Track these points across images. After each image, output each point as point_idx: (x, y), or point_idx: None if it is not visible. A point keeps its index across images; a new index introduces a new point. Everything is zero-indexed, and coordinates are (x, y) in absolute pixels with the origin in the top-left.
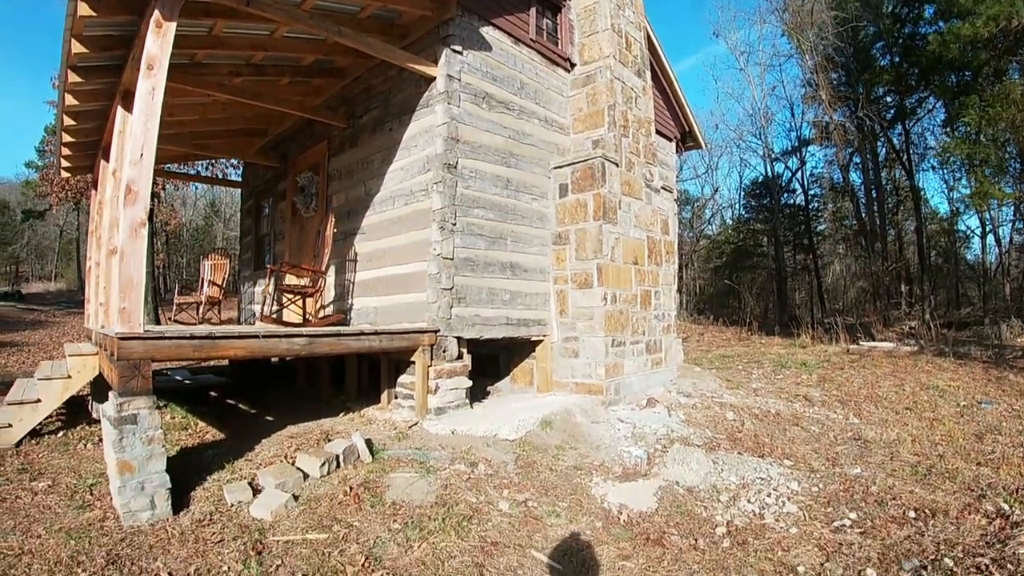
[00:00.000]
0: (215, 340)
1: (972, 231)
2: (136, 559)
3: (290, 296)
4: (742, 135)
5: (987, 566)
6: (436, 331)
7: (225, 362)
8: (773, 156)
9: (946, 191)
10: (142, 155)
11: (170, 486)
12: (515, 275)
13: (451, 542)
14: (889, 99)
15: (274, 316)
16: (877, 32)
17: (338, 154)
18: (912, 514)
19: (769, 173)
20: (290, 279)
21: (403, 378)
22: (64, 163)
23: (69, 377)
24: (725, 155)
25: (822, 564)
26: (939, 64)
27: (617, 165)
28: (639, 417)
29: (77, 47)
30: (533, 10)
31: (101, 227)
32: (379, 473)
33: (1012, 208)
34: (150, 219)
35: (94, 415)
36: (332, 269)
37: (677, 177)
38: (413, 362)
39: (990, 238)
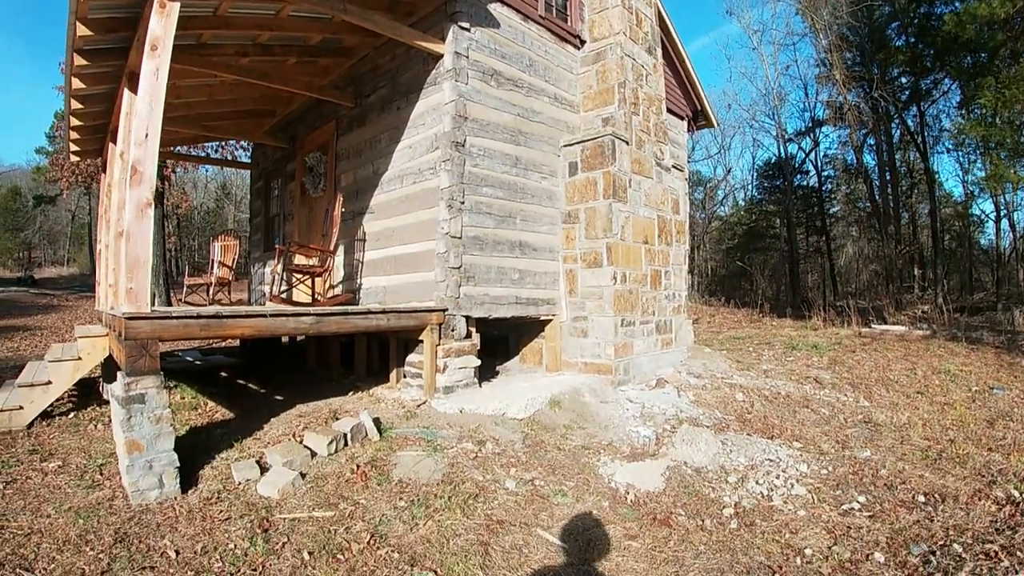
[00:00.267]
0: (222, 319)
1: (987, 215)
2: (143, 537)
3: (299, 276)
4: (755, 115)
5: (996, 553)
6: (444, 310)
7: (237, 343)
8: (786, 137)
9: (961, 174)
10: (147, 135)
11: (178, 465)
12: (524, 254)
13: (456, 520)
14: (904, 80)
15: (283, 296)
16: (892, 12)
17: (346, 133)
18: (922, 499)
19: (782, 154)
20: (299, 259)
21: (412, 357)
22: (73, 147)
23: (79, 359)
24: (738, 135)
25: (830, 547)
26: (955, 45)
27: (627, 143)
28: (648, 397)
29: (82, 30)
30: None
31: (110, 209)
32: (386, 451)
33: None
34: (160, 202)
35: (105, 396)
36: (341, 249)
37: (689, 157)
38: (421, 341)
39: (1004, 223)
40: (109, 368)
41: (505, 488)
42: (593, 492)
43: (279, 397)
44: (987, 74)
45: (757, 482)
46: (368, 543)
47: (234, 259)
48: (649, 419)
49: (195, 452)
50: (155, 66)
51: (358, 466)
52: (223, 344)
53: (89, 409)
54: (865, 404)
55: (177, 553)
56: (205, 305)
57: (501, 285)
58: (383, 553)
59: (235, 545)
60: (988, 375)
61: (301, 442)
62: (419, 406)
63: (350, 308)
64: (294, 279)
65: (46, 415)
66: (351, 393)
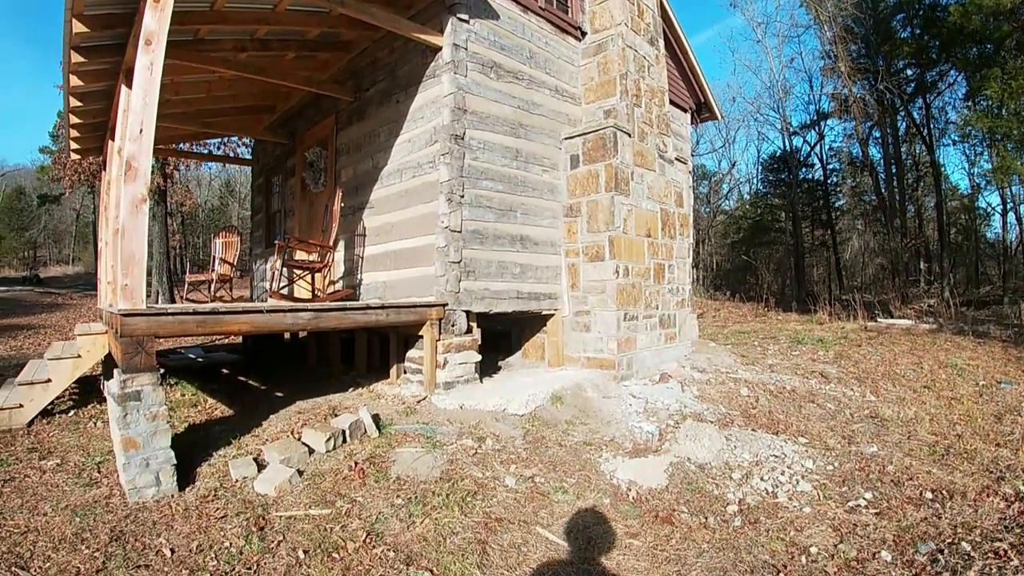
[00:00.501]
0: (218, 316)
1: (993, 208)
2: (139, 535)
3: (299, 272)
4: (759, 108)
5: (1006, 551)
6: (444, 305)
7: (240, 340)
8: (791, 130)
9: (967, 167)
10: (141, 131)
11: (175, 462)
12: (525, 248)
13: (454, 518)
14: (909, 72)
15: (283, 292)
16: (897, 3)
17: (346, 128)
18: (929, 495)
19: (787, 147)
20: (299, 255)
21: (412, 353)
22: (73, 145)
23: (79, 356)
24: (742, 128)
25: (835, 545)
26: (960, 36)
27: (629, 135)
28: (651, 392)
29: (79, 26)
30: None
31: (110, 207)
32: (385, 448)
33: None
34: (164, 200)
35: (105, 394)
36: (341, 244)
37: (693, 151)
38: (421, 336)
39: (1011, 216)
40: (109, 366)
41: (505, 485)
42: (594, 489)
43: (279, 394)
44: (993, 65)
45: (762, 478)
46: (364, 541)
47: (235, 255)
48: (652, 414)
49: (193, 449)
50: (149, 61)
51: (356, 463)
52: (226, 341)
53: (89, 407)
54: (871, 399)
55: (172, 551)
56: (206, 302)
57: (502, 279)
58: (379, 552)
59: (230, 543)
60: (995, 369)
61: (299, 439)
62: (419, 402)
63: (348, 304)
64: (294, 275)
65: (46, 413)
66: (351, 389)
